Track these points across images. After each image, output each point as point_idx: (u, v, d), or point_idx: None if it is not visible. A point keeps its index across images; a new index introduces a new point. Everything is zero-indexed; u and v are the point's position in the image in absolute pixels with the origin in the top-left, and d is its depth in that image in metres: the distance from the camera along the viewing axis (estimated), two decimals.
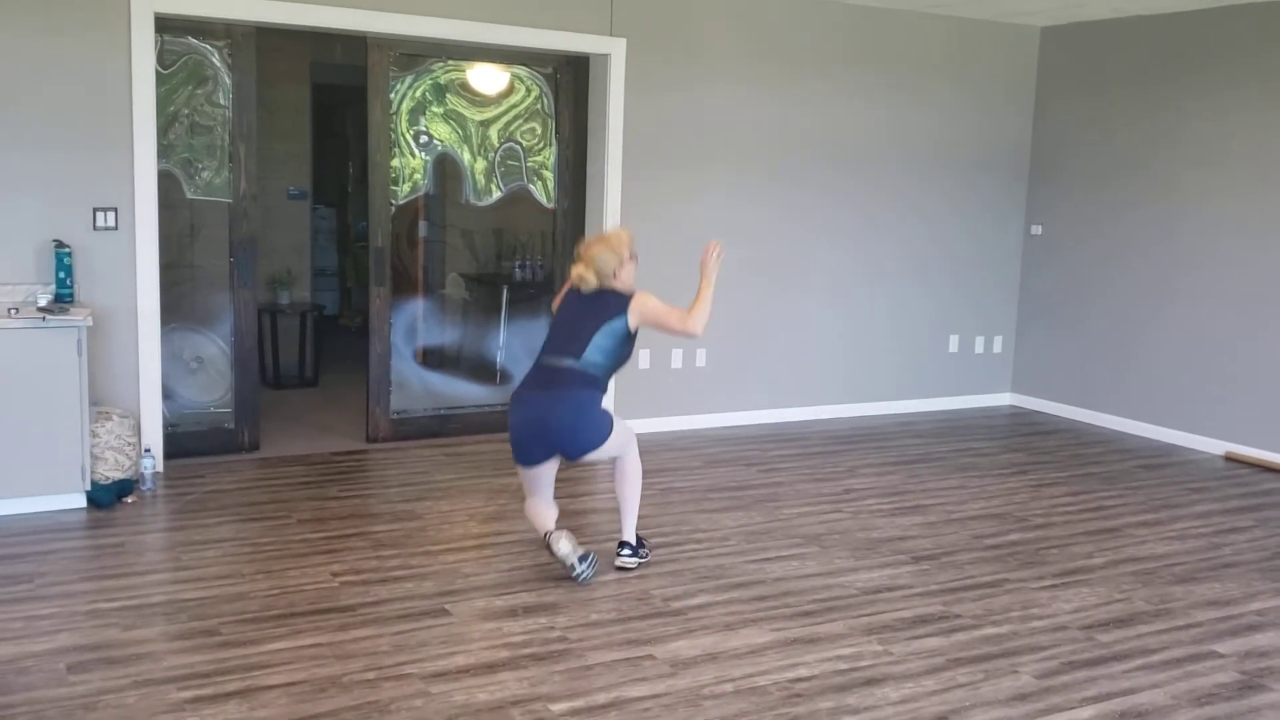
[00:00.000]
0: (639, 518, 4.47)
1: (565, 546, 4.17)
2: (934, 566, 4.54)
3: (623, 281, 4.25)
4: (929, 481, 5.83)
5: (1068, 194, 7.51)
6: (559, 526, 4.32)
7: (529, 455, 4.21)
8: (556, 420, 4.13)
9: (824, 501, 5.42)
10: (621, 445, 4.29)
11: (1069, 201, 7.52)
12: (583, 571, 4.17)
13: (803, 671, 3.52)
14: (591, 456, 4.23)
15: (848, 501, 5.43)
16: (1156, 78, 6.94)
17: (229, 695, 3.21)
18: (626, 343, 4.23)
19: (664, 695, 3.31)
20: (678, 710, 3.22)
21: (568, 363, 4.15)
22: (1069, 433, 7.09)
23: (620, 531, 4.41)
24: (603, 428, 4.19)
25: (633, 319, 4.20)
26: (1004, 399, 7.98)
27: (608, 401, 6.34)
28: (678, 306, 4.29)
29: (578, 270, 4.26)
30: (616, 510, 4.45)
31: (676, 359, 6.76)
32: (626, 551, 4.36)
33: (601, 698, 3.29)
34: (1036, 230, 7.74)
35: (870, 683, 3.46)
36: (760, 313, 7.01)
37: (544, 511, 4.31)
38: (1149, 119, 6.99)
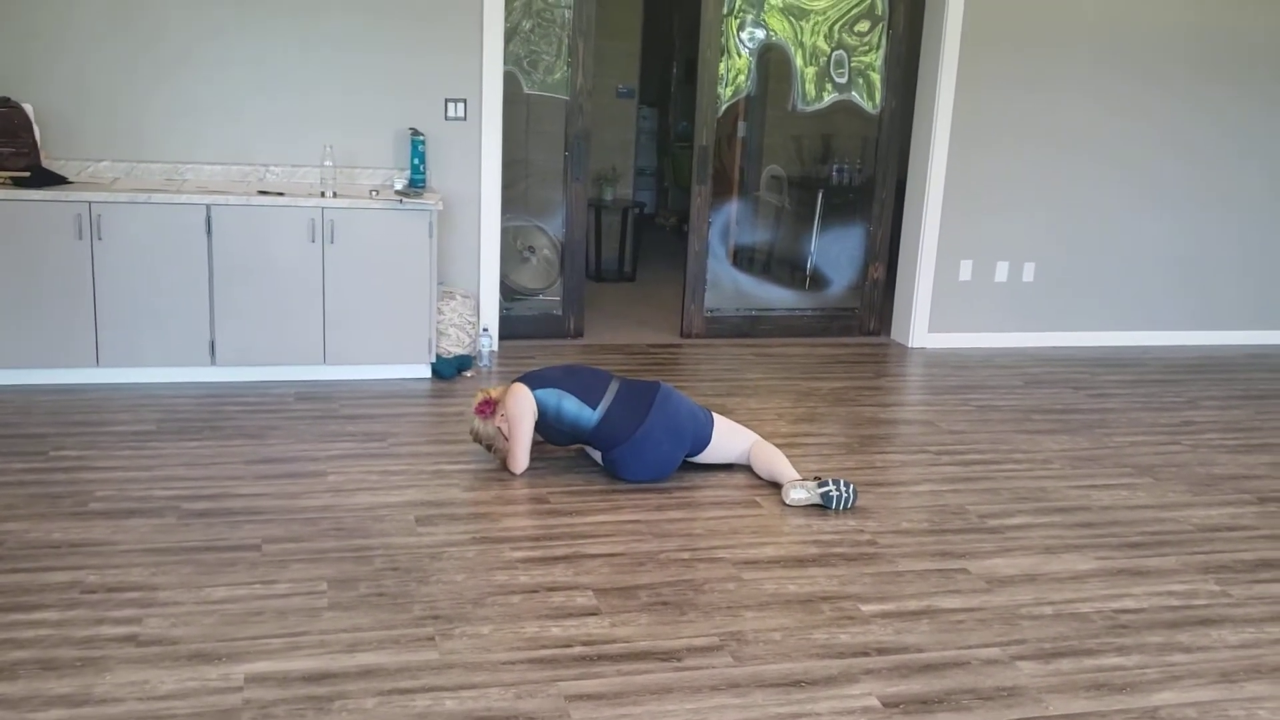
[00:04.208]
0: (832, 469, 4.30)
1: (799, 493, 3.96)
2: None
3: (505, 423, 4.16)
4: None
5: None
6: (789, 482, 4.03)
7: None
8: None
9: (1159, 432, 5.06)
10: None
11: None
12: (839, 495, 3.92)
13: (1129, 603, 3.33)
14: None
15: (1186, 434, 5.05)
16: None
17: (557, 559, 3.43)
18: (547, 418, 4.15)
19: (978, 610, 3.24)
20: (993, 626, 3.14)
21: None
22: None
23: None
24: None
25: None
26: None
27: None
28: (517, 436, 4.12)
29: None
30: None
31: (1001, 272, 6.46)
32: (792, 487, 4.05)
33: (912, 604, 3.25)
34: None
35: (1205, 623, 3.24)
36: (1098, 227, 6.56)
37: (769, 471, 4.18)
38: None
